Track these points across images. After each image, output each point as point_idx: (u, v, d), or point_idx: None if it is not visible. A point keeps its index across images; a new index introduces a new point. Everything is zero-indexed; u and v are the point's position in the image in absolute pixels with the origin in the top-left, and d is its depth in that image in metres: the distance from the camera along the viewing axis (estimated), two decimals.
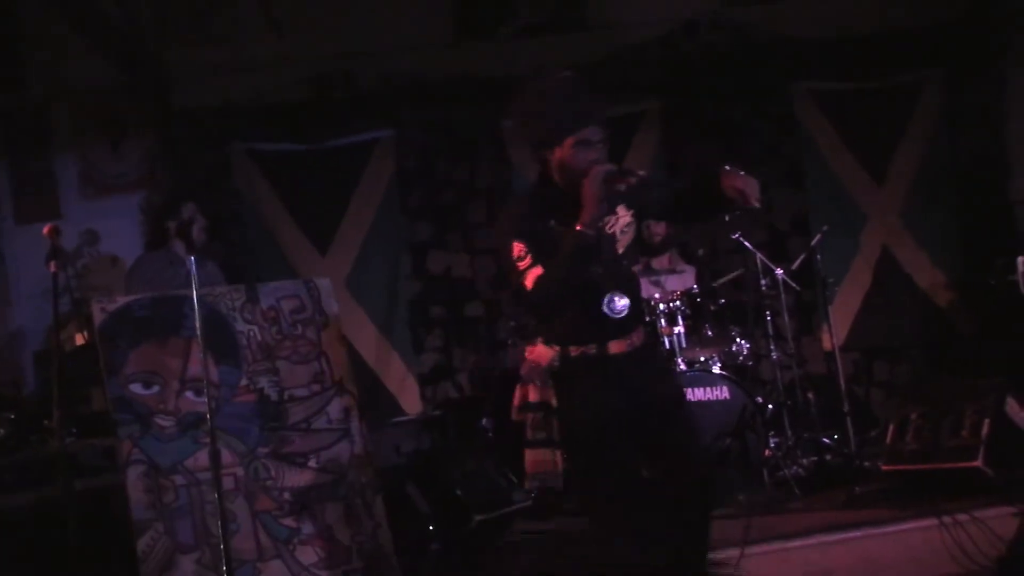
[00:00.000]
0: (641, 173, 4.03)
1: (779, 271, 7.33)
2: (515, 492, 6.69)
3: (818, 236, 7.53)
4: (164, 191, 8.39)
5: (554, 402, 4.09)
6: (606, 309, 4.03)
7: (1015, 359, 7.46)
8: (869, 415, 8.43)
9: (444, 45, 8.82)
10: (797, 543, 5.51)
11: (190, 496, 5.90)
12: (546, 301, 4.06)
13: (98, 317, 5.94)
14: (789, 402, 7.32)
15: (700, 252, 7.80)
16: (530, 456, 4.15)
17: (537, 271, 3.96)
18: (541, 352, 4.13)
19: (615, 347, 4.07)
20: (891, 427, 6.32)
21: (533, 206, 4.14)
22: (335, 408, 6.37)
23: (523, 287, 4.03)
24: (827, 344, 8.15)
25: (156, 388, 6.09)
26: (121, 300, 6.12)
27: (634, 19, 8.85)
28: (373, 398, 8.12)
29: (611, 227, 4.11)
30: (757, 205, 3.84)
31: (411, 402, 8.66)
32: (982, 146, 9.08)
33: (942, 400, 6.18)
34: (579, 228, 3.92)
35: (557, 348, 4.10)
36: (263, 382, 6.28)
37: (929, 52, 9.08)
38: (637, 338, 4.14)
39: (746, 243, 7.42)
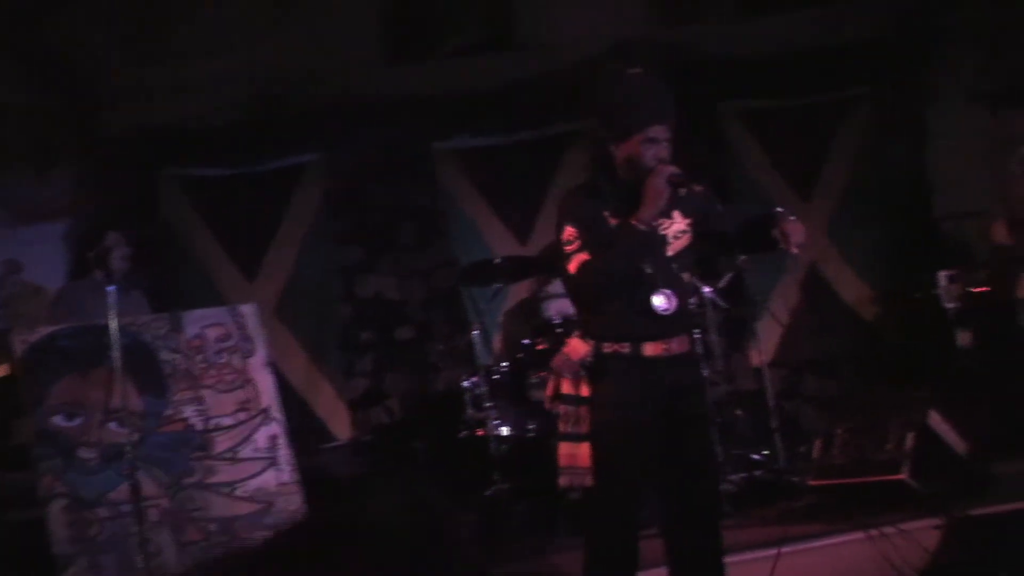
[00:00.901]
0: (697, 188, 4.16)
1: (708, 290, 7.38)
2: (448, 516, 6.67)
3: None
4: (89, 218, 8.28)
5: (586, 394, 4.12)
6: (655, 305, 4.03)
7: (939, 371, 7.59)
8: (799, 430, 8.48)
9: (373, 67, 8.80)
10: (728, 560, 5.53)
11: (114, 529, 5.87)
12: (588, 288, 4.15)
13: (19, 348, 5.90)
14: (719, 419, 7.34)
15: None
16: (562, 449, 4.17)
17: (583, 256, 4.04)
18: (576, 346, 4.15)
19: (650, 349, 4.07)
20: (818, 442, 6.38)
21: (590, 194, 4.21)
22: (262, 436, 6.37)
23: (567, 271, 4.12)
24: (756, 360, 8.21)
25: (79, 420, 6.06)
26: (43, 331, 6.10)
27: (565, 40, 8.87)
28: (303, 424, 8.03)
29: (664, 229, 4.14)
30: (795, 251, 3.98)
31: (342, 427, 8.59)
32: (907, 163, 9.21)
33: (868, 414, 6.26)
34: (634, 222, 3.97)
35: (592, 343, 4.11)
36: (188, 411, 6.27)
37: (854, 70, 9.20)
38: (678, 345, 4.14)
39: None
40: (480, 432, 7.13)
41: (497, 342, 8.40)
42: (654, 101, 4.10)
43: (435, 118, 8.92)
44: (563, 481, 4.16)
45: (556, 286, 7.25)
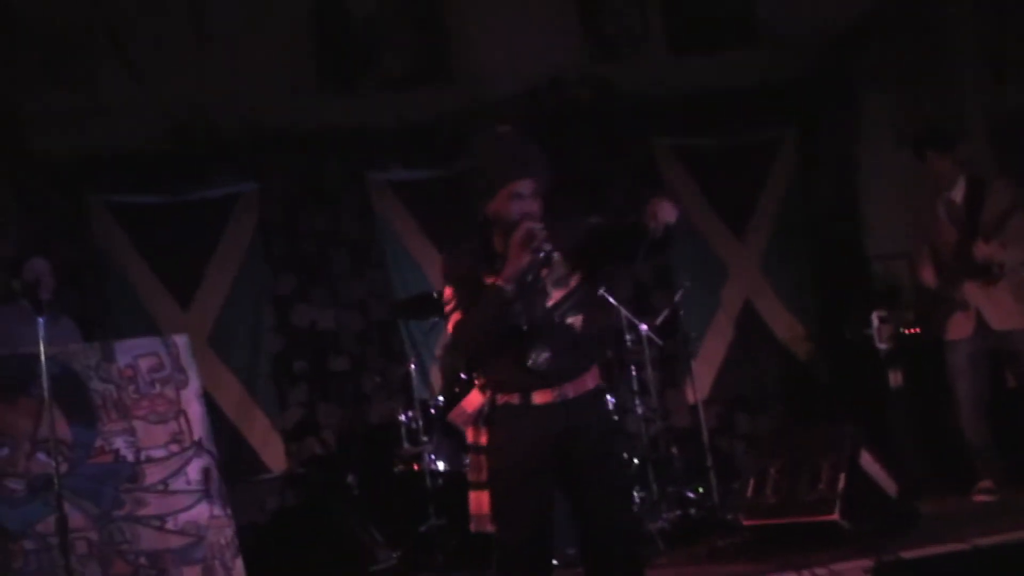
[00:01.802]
0: (591, 220, 4.18)
1: (643, 326, 7.43)
2: (379, 551, 6.64)
3: (680, 291, 7.66)
4: (16, 243, 8.13)
5: (484, 443, 4.15)
6: (529, 362, 4.02)
7: (870, 411, 7.68)
8: (732, 467, 8.55)
9: (308, 95, 8.74)
10: None
11: (40, 562, 5.75)
12: (463, 348, 4.23)
13: None
14: (654, 456, 7.40)
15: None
16: (470, 496, 4.20)
17: (457, 316, 4.09)
18: (472, 397, 4.19)
19: (539, 397, 4.07)
20: (751, 480, 6.42)
21: (468, 253, 4.21)
22: (194, 468, 6.28)
23: (448, 331, 4.18)
24: (691, 397, 8.27)
25: (5, 450, 5.94)
26: None
27: (500, 73, 8.89)
28: (235, 455, 7.96)
29: (543, 280, 4.10)
30: (654, 225, 3.88)
31: (275, 458, 8.49)
32: (838, 201, 9.40)
33: (800, 453, 6.30)
34: (497, 281, 3.99)
35: (488, 394, 4.14)
36: (119, 442, 6.17)
37: (784, 109, 9.40)
38: (572, 388, 4.11)
39: (610, 298, 7.50)
40: (415, 467, 7.10)
41: (434, 376, 8.37)
42: (518, 157, 4.09)
43: (369, 148, 8.91)
44: (472, 527, 4.21)
45: None
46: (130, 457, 6.15)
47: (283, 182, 8.87)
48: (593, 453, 4.14)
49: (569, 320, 4.11)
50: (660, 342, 7.56)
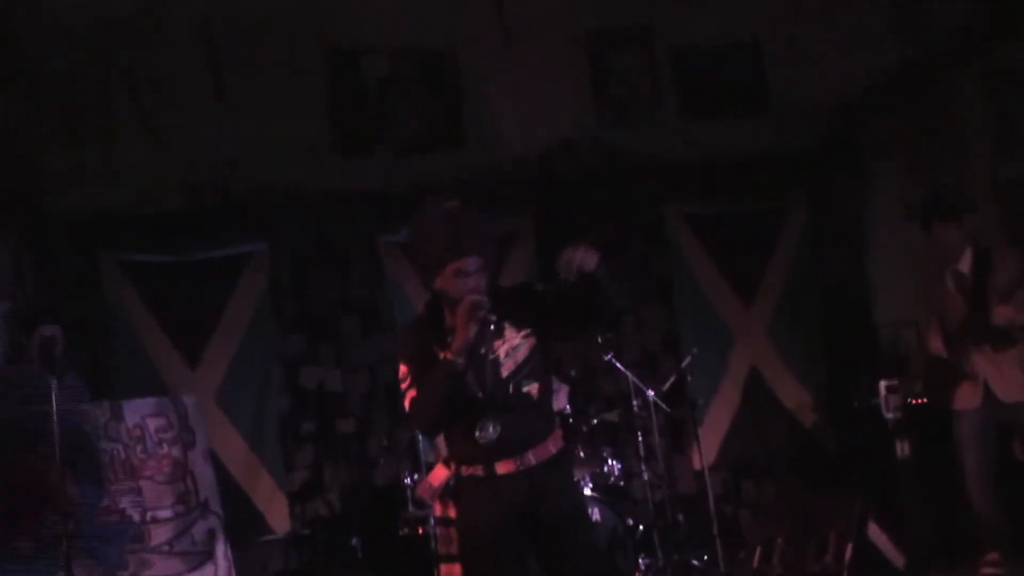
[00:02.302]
0: (539, 288, 4.23)
1: (650, 392, 7.44)
2: None
3: (688, 358, 7.68)
4: (29, 300, 8.15)
5: (453, 516, 4.32)
6: (477, 436, 4.08)
7: (877, 481, 7.65)
8: (738, 535, 8.52)
9: (322, 158, 8.80)
10: None
11: None
12: (420, 424, 4.28)
13: None
14: (660, 523, 7.38)
15: (573, 372, 7.88)
16: (441, 570, 4.25)
17: (412, 393, 4.12)
18: (437, 472, 4.44)
19: (502, 468, 4.13)
20: (758, 549, 6.40)
21: (420, 330, 4.28)
22: (199, 529, 6.30)
23: (404, 408, 4.19)
24: (697, 463, 8.25)
25: None
26: None
27: (513, 137, 8.97)
28: (240, 516, 7.89)
29: (495, 351, 4.17)
30: (567, 278, 3.93)
31: (279, 520, 8.41)
32: (846, 269, 9.43)
33: (806, 522, 6.30)
34: (447, 355, 4.03)
35: (453, 467, 4.28)
36: (125, 502, 6.18)
37: (794, 176, 9.44)
38: (536, 455, 4.16)
39: (618, 363, 7.53)
40: (420, 530, 7.06)
41: (440, 440, 8.35)
42: (464, 233, 4.11)
43: (381, 211, 8.93)
44: None
45: None
46: (136, 517, 6.16)
47: (294, 243, 8.90)
48: (560, 516, 4.19)
49: (525, 388, 4.18)
50: (667, 409, 7.58)
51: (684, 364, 7.75)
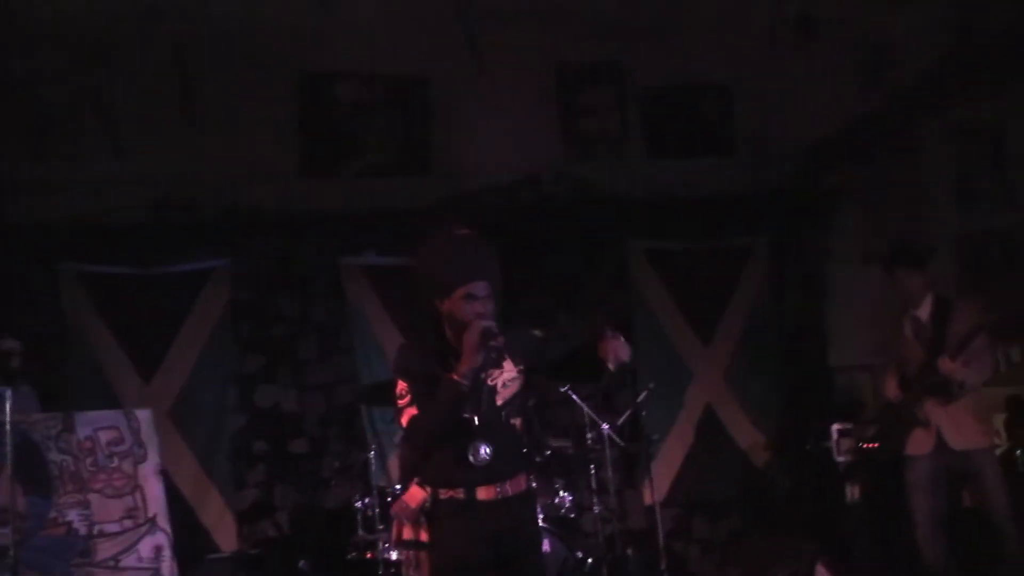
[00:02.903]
0: (537, 333, 4.39)
1: (605, 426, 7.43)
2: None
3: (644, 393, 7.68)
4: None
5: (425, 540, 4.26)
6: (470, 457, 4.15)
7: (827, 524, 7.66)
8: (687, 572, 8.52)
9: (289, 180, 8.79)
10: None
11: None
12: (417, 441, 4.29)
13: None
14: (609, 557, 7.35)
15: (530, 402, 7.84)
16: None
17: (412, 411, 4.19)
18: (414, 493, 4.30)
19: (483, 493, 4.21)
20: None
21: (421, 349, 4.36)
22: (146, 546, 6.23)
23: (400, 424, 4.27)
24: (648, 499, 8.24)
25: None
26: None
27: (480, 167, 9.01)
28: (187, 533, 7.80)
29: (493, 379, 4.26)
30: (612, 368, 4.07)
31: (227, 539, 8.37)
32: (804, 313, 9.50)
33: (757, 563, 6.29)
34: (455, 377, 4.10)
35: (430, 489, 4.25)
36: (73, 515, 6.11)
37: (758, 218, 9.49)
38: (512, 487, 4.26)
39: (574, 396, 7.52)
40: (369, 555, 7.02)
41: (393, 464, 8.31)
42: (474, 259, 4.25)
43: (344, 233, 8.93)
44: None
45: None
46: (83, 531, 6.09)
47: (256, 263, 8.88)
48: (525, 549, 4.31)
49: (512, 420, 4.31)
50: (621, 443, 7.56)
51: (640, 399, 7.74)
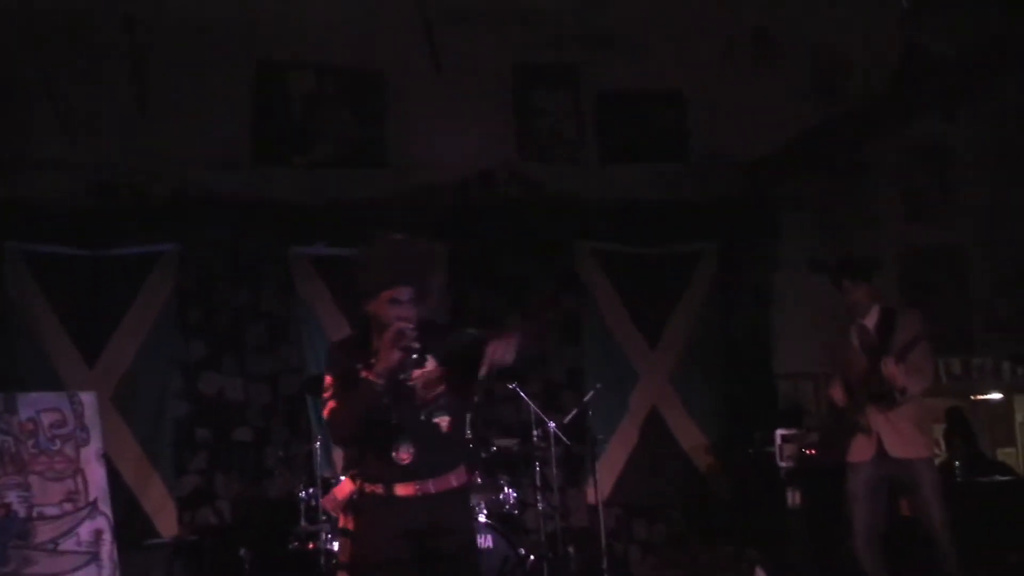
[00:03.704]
0: (471, 331, 4.33)
1: (551, 424, 7.42)
2: None
3: (591, 393, 7.68)
4: None
5: (351, 528, 4.32)
6: (391, 454, 4.19)
7: (767, 529, 7.70)
8: (626, 571, 8.52)
9: (241, 168, 8.73)
10: None
11: None
12: (335, 434, 4.46)
13: None
14: (551, 554, 7.34)
15: (475, 398, 7.81)
16: None
17: (332, 404, 4.26)
18: (343, 486, 4.37)
19: (402, 490, 4.23)
20: None
21: (349, 346, 4.44)
22: (86, 530, 6.14)
23: (323, 416, 4.36)
24: (591, 498, 8.25)
25: None
26: None
27: (433, 163, 9.00)
28: (128, 518, 7.74)
29: (413, 380, 4.28)
30: (482, 372, 4.09)
31: (167, 525, 8.27)
32: (751, 320, 9.53)
33: (697, 567, 6.30)
34: (370, 376, 4.15)
35: (359, 483, 4.31)
36: (12, 496, 6.00)
37: (708, 225, 9.54)
38: (435, 485, 4.29)
39: (522, 393, 7.51)
40: (311, 546, 6.95)
41: (337, 455, 8.25)
42: (401, 265, 4.28)
43: (295, 224, 8.86)
44: None
45: None
46: (22, 513, 5.98)
47: (204, 250, 8.78)
48: (454, 550, 4.29)
49: (436, 419, 4.31)
50: (567, 441, 7.56)
51: (586, 399, 7.75)
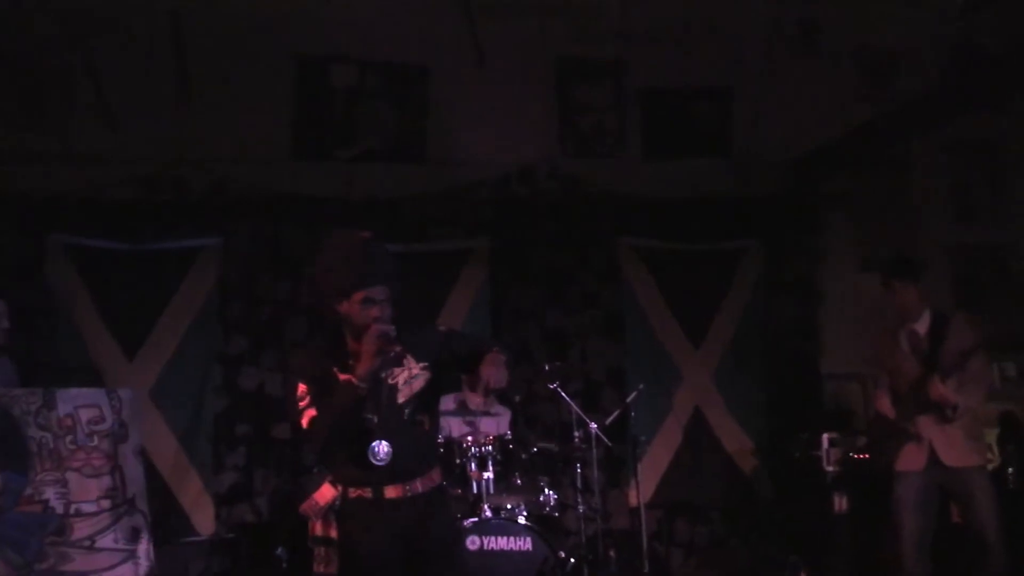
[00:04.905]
0: (441, 328, 4.48)
1: (593, 425, 7.27)
2: None
3: (634, 393, 7.53)
4: None
5: (334, 536, 4.35)
6: (370, 456, 4.15)
7: (810, 534, 7.53)
8: (667, 574, 8.37)
9: (282, 162, 8.66)
10: None
11: None
12: (318, 442, 4.36)
13: None
14: (591, 557, 7.19)
15: (516, 398, 7.69)
16: None
17: (312, 412, 4.20)
18: (324, 491, 4.44)
19: (391, 492, 4.23)
20: None
21: (321, 352, 4.39)
22: (123, 527, 6.07)
23: (300, 426, 4.29)
24: (633, 500, 8.11)
25: None
26: None
27: (474, 159, 8.89)
28: (165, 515, 7.71)
29: (394, 378, 4.28)
30: (480, 397, 4.10)
31: (204, 522, 8.22)
32: (796, 319, 9.34)
33: (738, 571, 6.14)
34: (351, 379, 4.12)
35: (340, 488, 4.31)
36: (49, 493, 5.94)
37: (752, 222, 9.36)
38: (422, 484, 4.30)
39: (562, 393, 7.37)
40: None
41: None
42: (374, 264, 4.26)
43: (338, 219, 8.72)
44: None
45: (447, 402, 7.07)
46: (59, 509, 5.92)
47: (246, 243, 8.72)
48: (439, 546, 4.35)
49: (419, 417, 4.34)
50: (608, 443, 7.41)
51: (629, 399, 7.59)
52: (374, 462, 4.13)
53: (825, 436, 7.66)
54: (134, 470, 6.22)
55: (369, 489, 4.21)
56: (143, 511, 6.10)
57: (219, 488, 8.36)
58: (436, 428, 4.54)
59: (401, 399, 4.29)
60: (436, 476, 4.37)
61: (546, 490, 7.08)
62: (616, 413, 7.60)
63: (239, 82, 8.41)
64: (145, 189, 8.47)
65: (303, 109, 8.76)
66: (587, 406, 7.85)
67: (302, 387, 4.23)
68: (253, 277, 8.72)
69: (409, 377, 4.31)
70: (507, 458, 7.03)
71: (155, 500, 7.06)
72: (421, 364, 4.34)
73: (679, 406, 9.03)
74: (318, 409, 4.17)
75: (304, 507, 4.37)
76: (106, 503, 6.04)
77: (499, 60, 8.71)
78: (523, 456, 7.11)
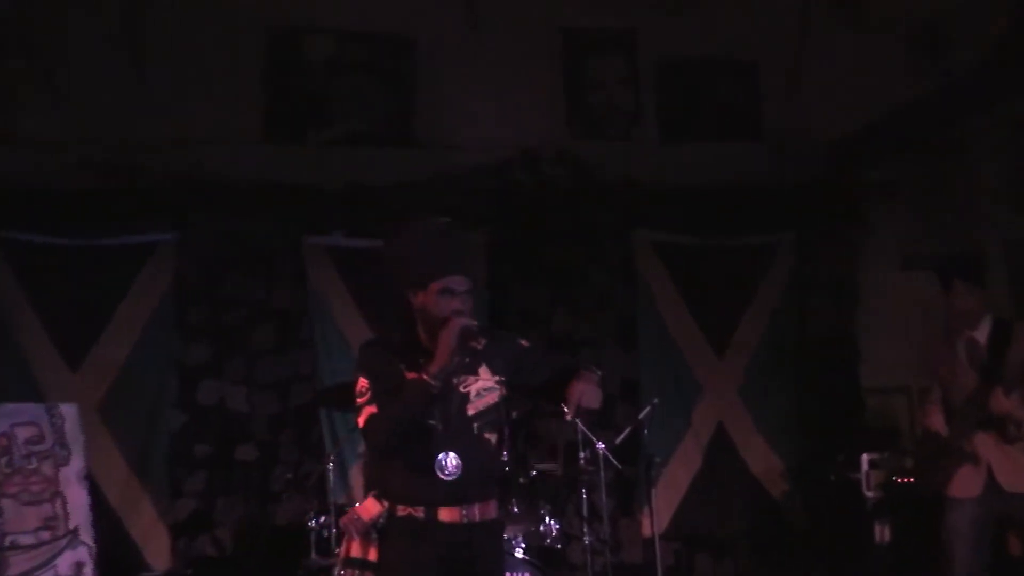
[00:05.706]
0: (523, 343, 4.40)
1: (601, 444, 7.23)
2: None
3: (648, 408, 7.51)
4: None
5: (373, 559, 4.21)
6: (436, 468, 4.13)
7: (850, 567, 7.52)
8: None
9: (250, 147, 8.70)
10: None
11: None
12: (374, 444, 4.28)
13: None
14: None
15: (514, 414, 7.65)
16: None
17: (371, 409, 4.17)
18: (368, 506, 4.25)
19: (446, 514, 4.18)
20: None
21: (387, 345, 4.37)
22: (65, 562, 6.08)
23: (357, 424, 4.26)
24: (647, 530, 8.10)
25: None
26: None
27: (469, 142, 8.92)
28: (113, 548, 7.64)
29: (467, 386, 4.25)
30: (568, 418, 4.15)
31: (159, 556, 8.22)
32: (833, 324, 9.37)
33: None
34: (424, 377, 4.09)
35: (387, 504, 4.22)
36: None
37: (784, 214, 9.40)
38: (480, 511, 4.24)
39: (567, 408, 7.31)
40: None
41: (355, 477, 8.15)
42: (453, 251, 4.26)
43: (311, 210, 8.78)
44: None
45: None
46: None
47: (208, 238, 8.70)
48: None
49: (487, 435, 4.28)
50: (618, 465, 7.38)
51: (642, 415, 7.55)
52: (441, 476, 4.12)
53: (865, 457, 7.67)
54: (78, 497, 6.20)
55: (422, 508, 4.16)
56: (88, 544, 6.08)
57: (176, 517, 8.33)
58: (501, 452, 4.56)
59: (471, 411, 4.25)
60: (493, 509, 4.34)
61: (547, 519, 7.06)
62: (628, 431, 7.57)
63: (201, 55, 8.47)
64: (93, 177, 8.41)
65: (273, 86, 8.82)
66: (595, 425, 7.82)
67: (363, 382, 4.22)
68: (216, 277, 8.68)
69: (482, 389, 4.28)
70: (503, 483, 7.02)
71: (102, 531, 7.04)
72: (496, 377, 4.31)
73: (699, 422, 9.07)
74: (379, 407, 4.16)
75: (345, 520, 4.32)
76: (46, 534, 6.03)
77: (497, 30, 8.81)
78: (521, 480, 7.10)
